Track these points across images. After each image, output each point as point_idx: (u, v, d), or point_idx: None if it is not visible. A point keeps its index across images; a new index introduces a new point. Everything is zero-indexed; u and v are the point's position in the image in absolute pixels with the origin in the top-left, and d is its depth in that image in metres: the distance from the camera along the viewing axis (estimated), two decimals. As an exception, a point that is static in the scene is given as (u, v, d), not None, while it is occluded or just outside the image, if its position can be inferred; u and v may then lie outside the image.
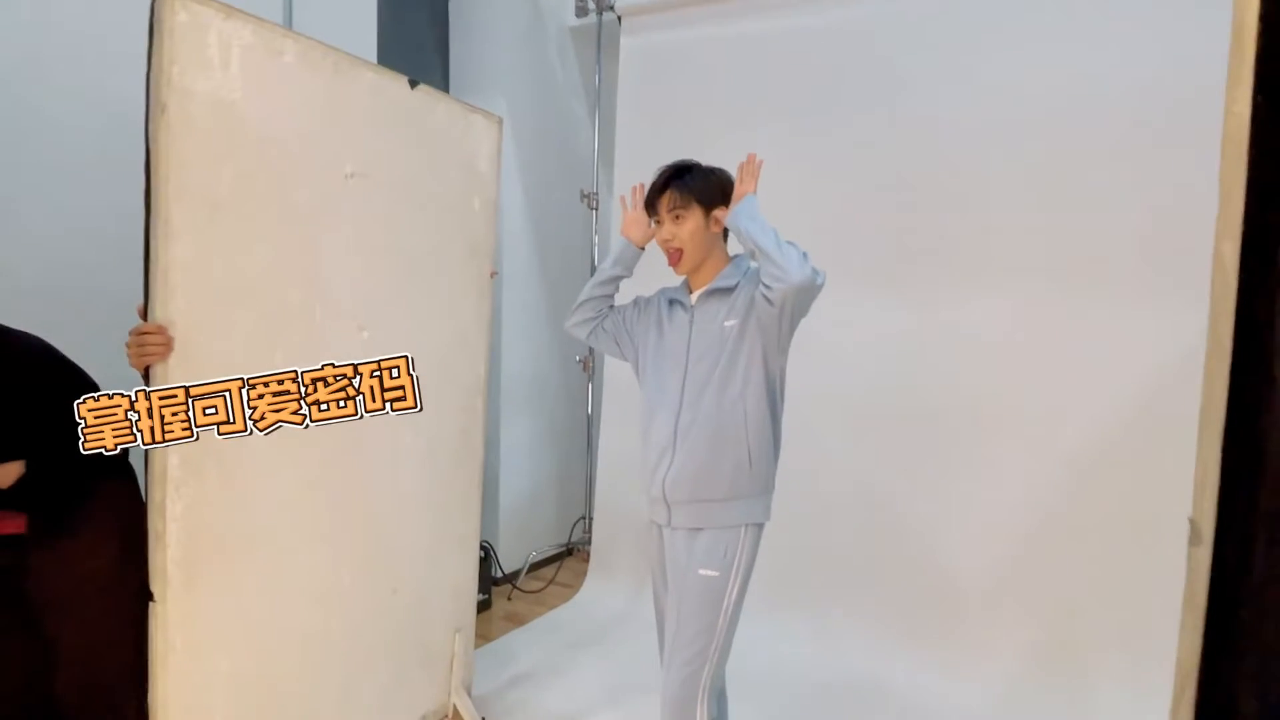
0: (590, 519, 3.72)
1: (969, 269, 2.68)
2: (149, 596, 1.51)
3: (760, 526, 1.69)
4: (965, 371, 2.68)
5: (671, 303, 1.81)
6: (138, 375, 1.50)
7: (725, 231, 1.74)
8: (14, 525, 1.62)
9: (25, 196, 2.03)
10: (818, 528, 2.88)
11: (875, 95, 2.80)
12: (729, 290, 1.69)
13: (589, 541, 3.63)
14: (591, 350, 3.75)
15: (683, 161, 1.75)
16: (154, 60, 1.42)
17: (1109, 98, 2.44)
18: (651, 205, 1.74)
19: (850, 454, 2.87)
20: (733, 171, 1.72)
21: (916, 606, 2.74)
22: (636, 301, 1.88)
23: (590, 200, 3.66)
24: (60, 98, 2.06)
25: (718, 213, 1.70)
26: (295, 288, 1.75)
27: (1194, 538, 0.62)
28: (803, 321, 1.63)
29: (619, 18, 3.35)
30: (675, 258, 1.72)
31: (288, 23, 2.57)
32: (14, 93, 1.99)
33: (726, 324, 1.66)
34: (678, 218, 1.69)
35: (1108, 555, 2.47)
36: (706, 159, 1.75)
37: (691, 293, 1.77)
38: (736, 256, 1.76)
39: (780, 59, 2.98)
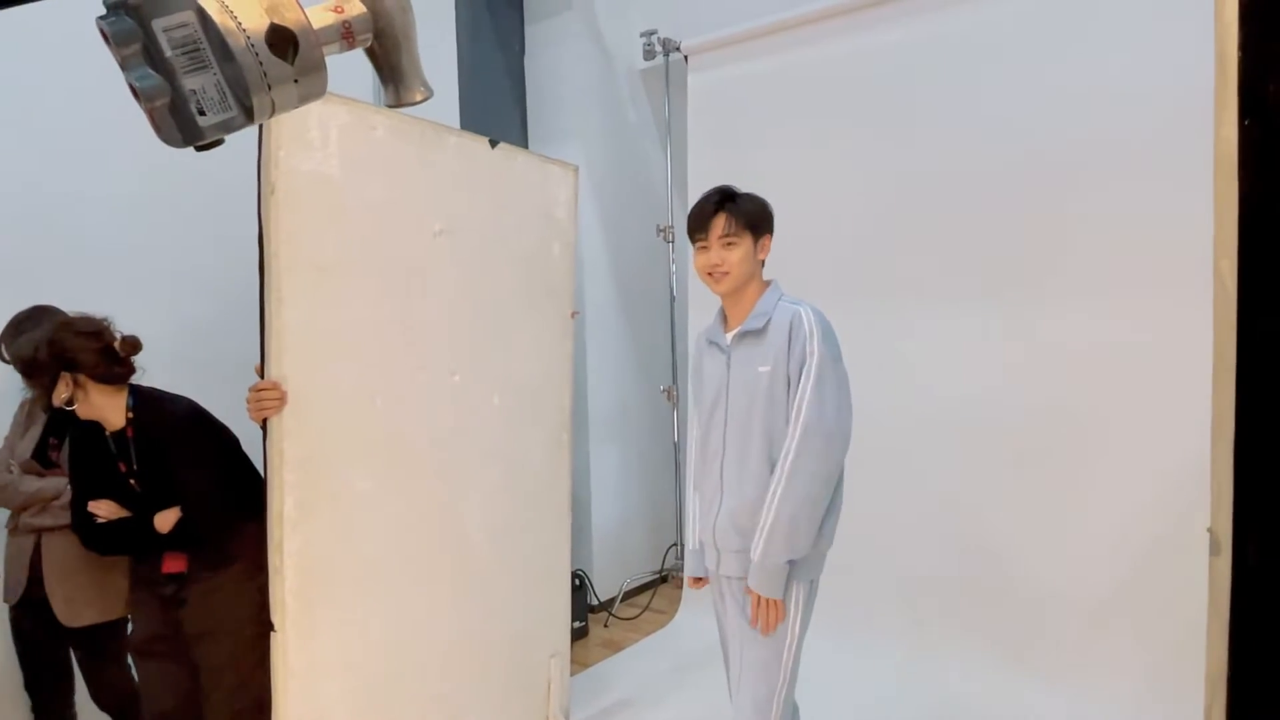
0: (682, 545, 3.77)
1: (1059, 277, 2.60)
2: (271, 627, 1.68)
3: (814, 582, 1.68)
4: (1056, 383, 2.60)
5: (709, 343, 1.80)
6: (257, 426, 1.68)
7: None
8: (178, 564, 1.84)
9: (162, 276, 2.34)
10: (906, 548, 2.84)
11: (946, 109, 2.79)
12: (760, 332, 1.67)
13: (682, 568, 3.67)
14: (675, 380, 3.83)
15: (726, 187, 1.74)
16: (263, 146, 1.61)
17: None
18: (700, 230, 1.70)
19: (937, 472, 2.82)
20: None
21: (1016, 629, 2.65)
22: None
23: (666, 234, 3.77)
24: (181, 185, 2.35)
25: (765, 240, 1.72)
26: (391, 340, 1.91)
27: (1214, 548, 0.62)
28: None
29: (685, 57, 3.46)
30: (719, 278, 1.70)
31: (377, 97, 2.80)
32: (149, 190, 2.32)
33: (760, 369, 1.65)
34: (729, 244, 1.68)
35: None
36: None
37: (727, 330, 1.76)
38: (771, 283, 1.75)
39: (842, 81, 3.01)
